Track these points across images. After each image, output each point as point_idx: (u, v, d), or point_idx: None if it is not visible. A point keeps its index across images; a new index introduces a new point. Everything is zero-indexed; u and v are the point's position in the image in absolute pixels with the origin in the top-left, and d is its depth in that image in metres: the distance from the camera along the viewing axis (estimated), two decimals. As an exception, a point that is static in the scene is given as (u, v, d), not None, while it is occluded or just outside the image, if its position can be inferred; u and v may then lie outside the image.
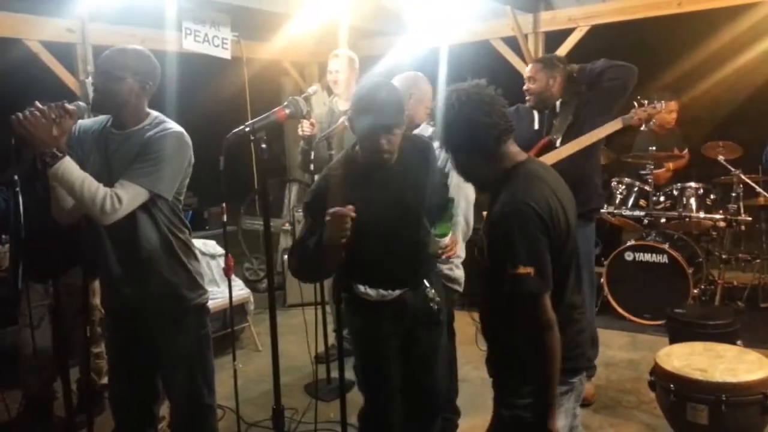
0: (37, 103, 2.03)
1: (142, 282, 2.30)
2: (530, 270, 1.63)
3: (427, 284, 2.32)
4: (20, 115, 1.98)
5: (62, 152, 2.05)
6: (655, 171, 4.88)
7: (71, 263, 2.98)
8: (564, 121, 3.24)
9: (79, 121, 2.28)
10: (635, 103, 3.31)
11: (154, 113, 2.30)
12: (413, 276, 2.32)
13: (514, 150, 1.82)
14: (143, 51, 2.28)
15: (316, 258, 2.08)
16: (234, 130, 1.58)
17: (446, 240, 2.54)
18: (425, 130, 2.88)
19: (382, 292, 2.28)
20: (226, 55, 4.86)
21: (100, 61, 2.22)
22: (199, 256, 4.31)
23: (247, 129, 1.58)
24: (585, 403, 3.33)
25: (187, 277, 2.36)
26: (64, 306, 3.03)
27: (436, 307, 2.32)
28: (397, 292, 2.28)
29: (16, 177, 3.10)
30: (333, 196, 2.06)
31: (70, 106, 2.09)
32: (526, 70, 3.41)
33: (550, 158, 3.12)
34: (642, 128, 5.02)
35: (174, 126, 2.26)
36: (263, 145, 1.60)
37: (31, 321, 2.94)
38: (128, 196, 2.10)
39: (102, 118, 2.33)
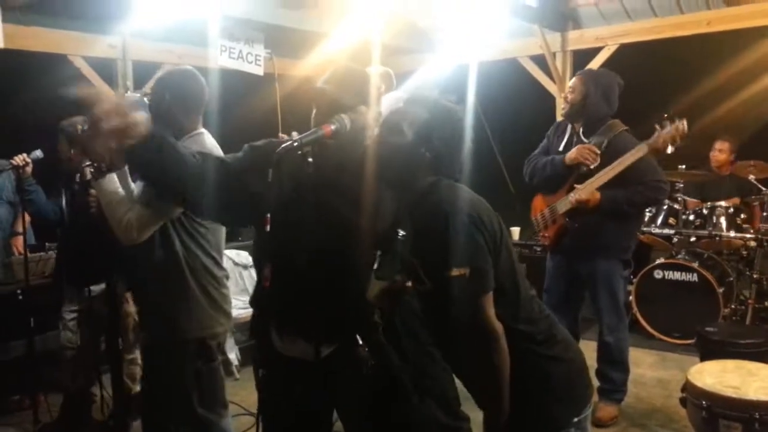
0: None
1: (142, 300, 2.36)
2: (465, 271, 1.55)
3: (359, 342, 1.79)
4: (79, 127, 2.08)
5: (111, 168, 2.15)
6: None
7: (108, 272, 3.09)
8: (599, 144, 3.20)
9: None
10: (657, 126, 3.18)
11: (199, 130, 2.36)
12: (340, 329, 1.79)
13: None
14: (188, 71, 2.38)
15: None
16: (283, 145, 1.64)
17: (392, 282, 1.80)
18: None
19: (296, 343, 1.81)
20: (259, 71, 4.98)
21: (154, 82, 2.34)
22: (231, 270, 4.40)
23: (296, 144, 1.64)
24: (600, 425, 3.32)
25: (195, 304, 2.31)
26: (99, 312, 3.15)
27: (367, 372, 1.77)
28: (323, 350, 1.71)
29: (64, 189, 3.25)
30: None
31: None
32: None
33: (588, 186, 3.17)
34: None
35: (192, 144, 2.25)
36: (309, 159, 1.66)
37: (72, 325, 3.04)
38: (139, 222, 2.16)
39: None
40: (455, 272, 1.55)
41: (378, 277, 1.70)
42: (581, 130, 3.32)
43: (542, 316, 1.76)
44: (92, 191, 2.82)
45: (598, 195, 3.17)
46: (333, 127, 1.73)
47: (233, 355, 4.21)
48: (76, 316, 3.38)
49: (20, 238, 3.70)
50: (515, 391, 1.62)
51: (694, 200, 5.12)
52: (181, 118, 2.31)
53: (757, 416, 2.55)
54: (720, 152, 5.16)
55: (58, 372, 3.40)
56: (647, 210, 5.00)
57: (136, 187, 2.31)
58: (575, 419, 1.69)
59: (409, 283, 1.64)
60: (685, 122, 3.09)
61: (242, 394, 3.85)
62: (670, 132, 3.08)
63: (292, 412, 1.90)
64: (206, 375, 2.37)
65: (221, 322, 2.41)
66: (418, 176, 1.71)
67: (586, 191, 3.18)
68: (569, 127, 3.40)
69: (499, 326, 1.60)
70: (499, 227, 1.69)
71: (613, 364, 3.40)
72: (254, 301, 2.01)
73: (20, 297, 3.47)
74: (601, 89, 3.25)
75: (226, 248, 4.01)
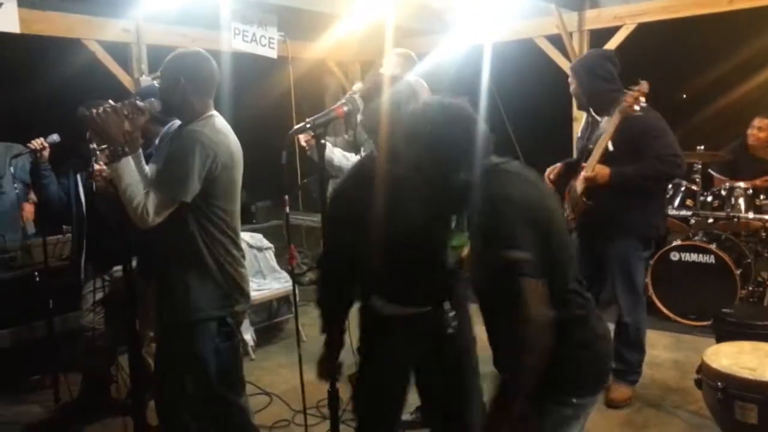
0: (110, 101, 2.16)
1: (159, 288, 2.38)
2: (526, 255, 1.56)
3: (447, 306, 2.11)
4: (94, 111, 2.10)
5: (126, 152, 2.16)
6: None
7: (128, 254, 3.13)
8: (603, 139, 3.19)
9: (174, 122, 2.42)
10: (625, 91, 3.15)
11: (210, 112, 2.36)
12: (433, 294, 2.12)
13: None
14: (200, 53, 2.37)
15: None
16: (296, 127, 1.65)
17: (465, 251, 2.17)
18: None
19: (394, 307, 2.13)
20: (273, 54, 4.97)
21: (163, 64, 2.34)
22: (246, 252, 4.44)
23: (308, 126, 1.64)
24: (614, 406, 3.32)
25: (214, 283, 2.34)
26: (119, 293, 3.19)
27: (452, 331, 2.10)
28: (410, 310, 2.11)
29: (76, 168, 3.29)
30: (349, 199, 2.01)
31: (142, 104, 2.21)
32: None
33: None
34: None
35: (203, 127, 2.28)
36: (322, 141, 1.67)
37: (92, 306, 3.09)
38: (153, 207, 2.17)
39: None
40: (512, 255, 1.56)
41: (453, 248, 1.98)
42: (593, 113, 3.37)
43: (584, 300, 1.76)
44: (96, 167, 2.86)
45: (607, 171, 3.16)
46: (345, 108, 1.74)
47: (249, 336, 4.26)
48: (98, 298, 3.42)
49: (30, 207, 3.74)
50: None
51: (722, 177, 5.03)
52: (194, 100, 2.31)
53: (774, 397, 2.54)
54: (759, 129, 4.99)
55: (78, 352, 3.46)
56: (665, 192, 4.95)
57: (149, 170, 2.33)
58: (574, 400, 1.70)
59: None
60: (645, 83, 3.10)
61: (257, 373, 3.91)
62: (634, 94, 3.08)
63: (385, 364, 2.18)
64: (225, 353, 2.39)
65: (240, 301, 2.43)
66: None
67: (589, 167, 3.19)
68: (585, 115, 3.48)
69: (545, 313, 1.57)
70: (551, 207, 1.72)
71: (630, 345, 3.38)
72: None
73: (37, 279, 3.52)
74: (589, 70, 3.28)
75: (242, 230, 4.06)
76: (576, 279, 1.77)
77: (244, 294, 2.46)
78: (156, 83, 2.32)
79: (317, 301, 2.22)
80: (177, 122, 2.48)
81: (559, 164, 3.49)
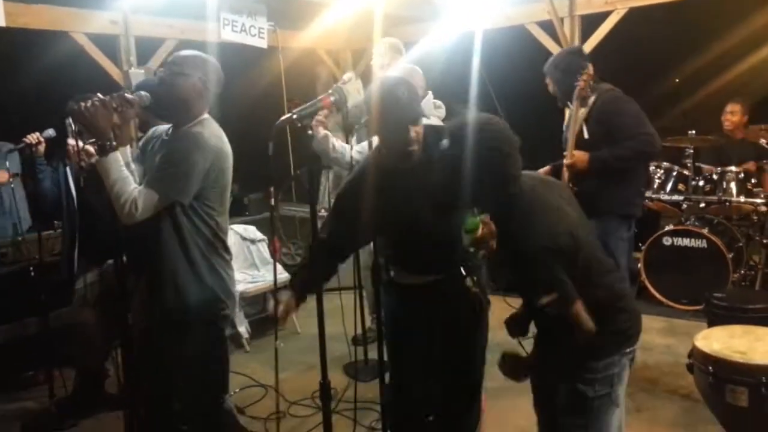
0: (99, 94, 2.13)
1: (150, 284, 2.35)
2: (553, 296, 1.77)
3: (464, 272, 2.28)
4: (82, 104, 2.08)
5: (115, 146, 2.14)
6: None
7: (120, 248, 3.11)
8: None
9: (158, 127, 2.39)
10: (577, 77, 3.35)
11: (204, 116, 2.34)
12: (448, 264, 2.29)
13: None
14: (215, 62, 2.37)
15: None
16: (282, 118, 1.63)
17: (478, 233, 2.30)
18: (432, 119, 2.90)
19: (416, 277, 2.31)
20: (263, 44, 4.94)
21: (175, 57, 2.32)
22: (240, 244, 4.42)
23: (294, 116, 1.63)
24: None
25: (201, 290, 2.33)
26: (112, 287, 3.18)
27: (474, 295, 2.30)
28: (432, 277, 2.29)
29: (65, 162, 3.26)
30: (364, 190, 2.12)
31: (131, 96, 2.19)
32: None
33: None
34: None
35: (202, 129, 2.27)
36: (309, 132, 1.65)
37: (84, 300, 3.07)
38: (144, 202, 2.15)
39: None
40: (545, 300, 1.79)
41: (466, 231, 2.05)
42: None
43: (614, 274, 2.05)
44: (71, 142, 2.79)
45: (586, 156, 3.29)
46: (332, 98, 1.74)
47: (243, 329, 4.27)
48: (90, 292, 3.41)
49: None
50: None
51: (710, 166, 5.06)
52: (196, 102, 2.29)
53: (764, 380, 2.55)
54: (732, 114, 5.18)
55: (72, 347, 3.45)
56: (656, 177, 4.97)
57: (136, 166, 2.31)
58: (627, 349, 2.01)
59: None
60: (590, 65, 3.34)
61: (252, 366, 3.91)
62: (583, 77, 3.29)
63: (411, 331, 2.36)
64: (213, 356, 2.40)
65: (229, 305, 2.43)
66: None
67: (568, 155, 3.32)
68: (567, 111, 3.61)
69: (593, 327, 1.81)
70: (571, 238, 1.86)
71: None
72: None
73: (32, 274, 3.50)
74: (558, 69, 3.44)
75: (234, 223, 4.04)
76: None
77: (231, 298, 2.46)
78: (132, 72, 2.29)
79: (294, 273, 2.37)
80: (161, 126, 2.45)
81: (547, 167, 3.54)
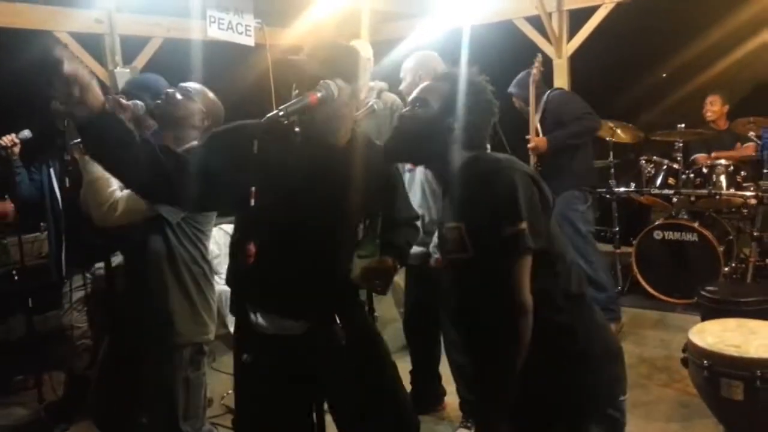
0: None
1: (137, 300, 2.33)
2: (524, 226, 1.49)
3: (337, 318, 1.79)
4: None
5: None
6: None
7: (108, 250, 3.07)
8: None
9: None
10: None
11: (194, 144, 2.30)
12: (326, 305, 1.80)
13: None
14: (219, 103, 2.37)
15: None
16: (268, 115, 1.59)
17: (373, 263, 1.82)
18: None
19: (282, 323, 1.80)
20: (250, 42, 4.87)
21: (189, 83, 2.31)
22: (226, 246, 4.37)
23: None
24: None
25: (195, 309, 2.31)
26: (101, 292, 3.14)
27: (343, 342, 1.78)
28: (302, 324, 1.79)
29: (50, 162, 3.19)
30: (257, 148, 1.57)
31: (125, 102, 2.15)
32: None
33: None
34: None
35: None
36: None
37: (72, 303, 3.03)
38: (125, 207, 2.13)
39: None
40: (520, 226, 1.48)
41: (360, 256, 1.74)
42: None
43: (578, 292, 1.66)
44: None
45: (544, 140, 3.85)
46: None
47: (232, 329, 4.22)
48: (81, 296, 3.36)
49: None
50: (544, 366, 1.57)
51: (704, 155, 5.19)
52: (201, 120, 2.29)
53: (759, 374, 2.55)
54: (712, 104, 5.38)
55: (62, 351, 3.40)
56: (646, 171, 4.98)
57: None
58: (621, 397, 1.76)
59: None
60: (539, 55, 4.03)
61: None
62: (536, 64, 3.93)
63: (278, 395, 1.83)
64: (194, 384, 2.36)
65: (211, 329, 2.41)
66: (448, 148, 1.66)
67: (531, 141, 3.86)
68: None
69: (530, 299, 1.51)
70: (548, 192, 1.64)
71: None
72: (231, 281, 1.90)
73: (16, 278, 3.44)
74: (517, 84, 4.05)
75: (223, 223, 3.99)
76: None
77: (213, 321, 2.43)
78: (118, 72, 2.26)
79: None
80: None
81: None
